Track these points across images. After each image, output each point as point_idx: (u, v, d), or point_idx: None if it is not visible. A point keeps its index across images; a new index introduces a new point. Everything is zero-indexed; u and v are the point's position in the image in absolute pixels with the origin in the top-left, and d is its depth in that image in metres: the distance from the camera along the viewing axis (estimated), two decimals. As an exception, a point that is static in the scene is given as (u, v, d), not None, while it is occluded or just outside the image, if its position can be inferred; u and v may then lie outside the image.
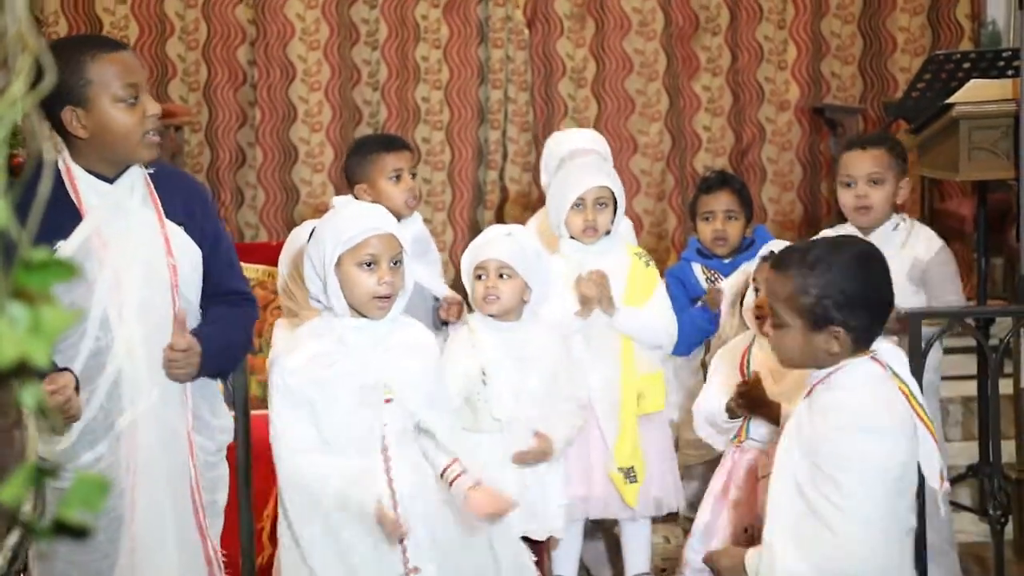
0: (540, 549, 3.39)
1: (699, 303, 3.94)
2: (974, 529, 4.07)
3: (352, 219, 2.72)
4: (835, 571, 2.32)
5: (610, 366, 3.58)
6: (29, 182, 2.25)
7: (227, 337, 2.78)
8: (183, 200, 2.75)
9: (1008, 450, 3.88)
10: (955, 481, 3.87)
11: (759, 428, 3.09)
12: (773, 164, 6.09)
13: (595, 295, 3.54)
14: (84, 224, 2.60)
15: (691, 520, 3.37)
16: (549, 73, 5.97)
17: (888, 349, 2.48)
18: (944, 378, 3.93)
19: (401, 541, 2.67)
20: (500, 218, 5.79)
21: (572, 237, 3.65)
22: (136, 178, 2.69)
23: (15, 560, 1.42)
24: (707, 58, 6.03)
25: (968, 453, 4.22)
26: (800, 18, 6.02)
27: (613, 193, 3.63)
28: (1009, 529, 3.68)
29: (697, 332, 3.90)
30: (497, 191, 5.97)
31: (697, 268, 4.03)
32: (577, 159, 3.84)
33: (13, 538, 0.96)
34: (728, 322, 3.54)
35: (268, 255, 4.40)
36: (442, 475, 2.74)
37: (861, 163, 3.51)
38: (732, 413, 3.10)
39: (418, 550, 2.69)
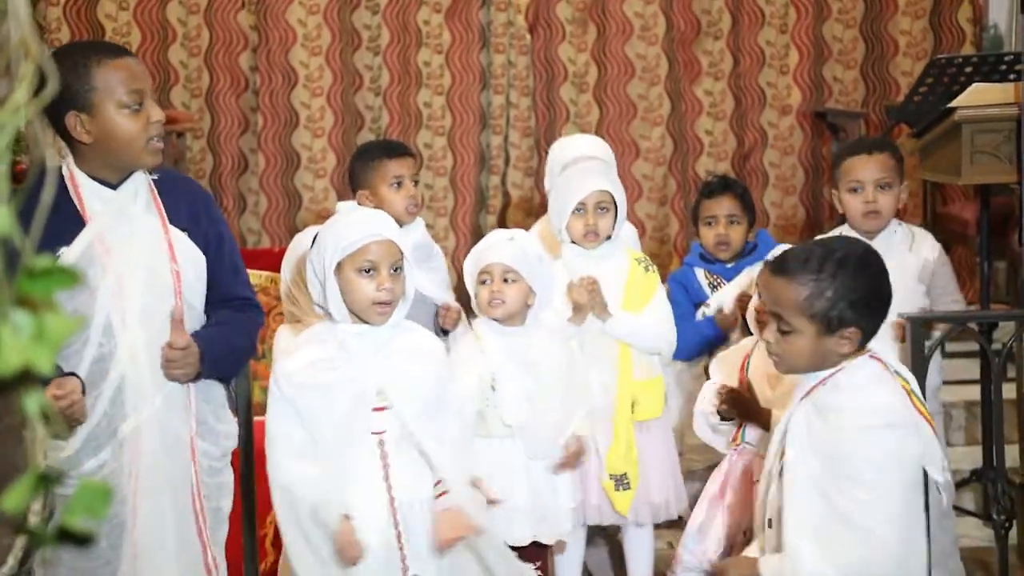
0: (544, 554, 3.39)
1: (701, 309, 3.93)
2: (978, 534, 4.06)
3: (353, 225, 2.72)
4: (861, 570, 2.31)
5: (605, 372, 3.58)
6: (32, 189, 2.25)
7: (229, 340, 2.78)
8: (187, 205, 2.75)
9: (1012, 454, 3.88)
10: (959, 486, 3.87)
11: (754, 432, 3.09)
12: (775, 168, 6.09)
13: (587, 301, 3.54)
14: (87, 230, 2.61)
15: (693, 524, 3.37)
16: (551, 78, 5.98)
17: (881, 347, 2.48)
18: (947, 382, 3.93)
19: (401, 549, 2.67)
20: (502, 223, 5.79)
21: (573, 242, 3.64)
22: (140, 184, 2.69)
23: (27, 559, 1.42)
24: (709, 62, 6.03)
25: (972, 458, 4.21)
26: (802, 22, 6.02)
27: (614, 198, 3.63)
28: (1013, 534, 3.67)
29: (700, 340, 3.89)
30: (499, 196, 5.97)
31: (700, 273, 4.03)
32: (580, 164, 3.84)
33: (23, 540, 0.96)
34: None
35: (270, 261, 4.40)
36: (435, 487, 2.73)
37: (869, 168, 3.51)
38: (723, 416, 3.11)
39: (417, 558, 2.69)
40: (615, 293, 3.61)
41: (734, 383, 3.13)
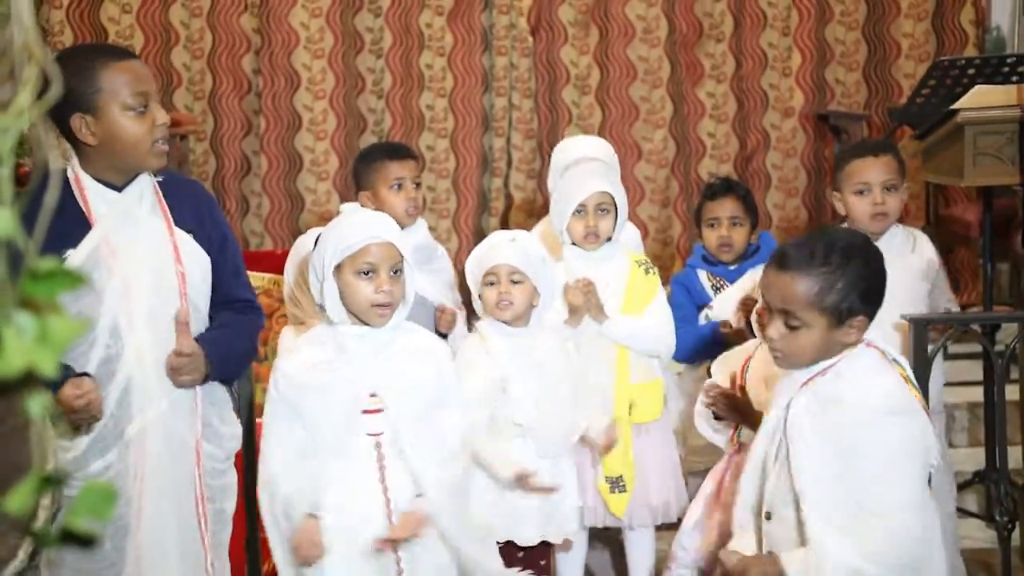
0: (548, 554, 3.39)
1: (704, 312, 3.93)
2: (981, 535, 4.06)
3: (353, 227, 2.72)
4: (888, 557, 2.31)
5: (602, 374, 3.57)
6: (36, 192, 2.25)
7: (233, 343, 2.79)
8: (192, 208, 2.76)
9: (1015, 456, 3.88)
10: (961, 487, 3.87)
11: (750, 432, 3.09)
12: (778, 170, 6.09)
13: (582, 303, 3.54)
14: (93, 232, 2.61)
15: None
16: (553, 80, 5.98)
17: (876, 336, 2.48)
18: (949, 384, 3.93)
19: (396, 552, 2.67)
20: (505, 225, 5.79)
21: (574, 243, 3.64)
22: (145, 186, 2.69)
23: (36, 555, 1.42)
24: (711, 65, 6.03)
25: (974, 459, 4.21)
26: (804, 25, 6.02)
27: (615, 199, 3.62)
28: (1016, 535, 3.67)
29: (702, 343, 3.88)
30: (502, 198, 5.98)
31: (703, 275, 4.02)
32: (581, 165, 3.84)
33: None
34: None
35: (273, 263, 4.40)
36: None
37: (876, 170, 3.51)
38: (716, 416, 3.12)
39: (411, 560, 2.68)
40: (615, 295, 3.61)
41: (726, 384, 3.13)
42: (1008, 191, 4.28)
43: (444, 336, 3.60)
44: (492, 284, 3.27)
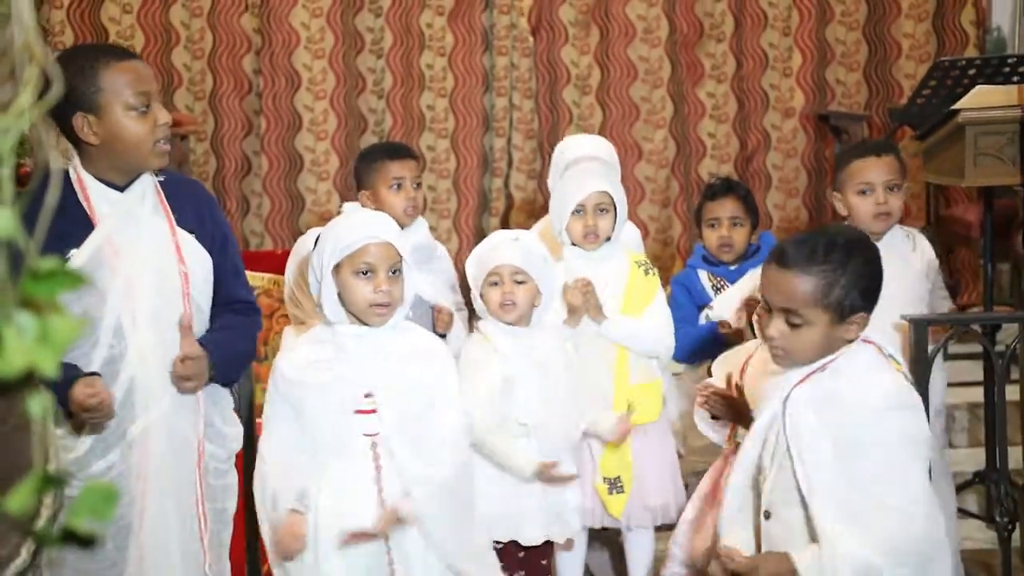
0: (548, 554, 3.39)
1: (705, 312, 3.93)
2: (981, 536, 4.06)
3: (352, 227, 2.72)
4: (902, 550, 2.32)
5: (601, 374, 3.57)
6: (37, 191, 2.25)
7: (235, 345, 2.79)
8: (193, 208, 2.76)
9: (1015, 456, 3.88)
10: (961, 488, 3.87)
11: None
12: (778, 171, 6.09)
13: (581, 304, 3.53)
14: (96, 233, 2.61)
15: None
16: (554, 80, 5.98)
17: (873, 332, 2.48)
18: (950, 384, 3.93)
19: (389, 552, 2.67)
20: (505, 225, 5.79)
21: (573, 243, 3.64)
22: (147, 186, 2.70)
23: (38, 553, 1.42)
24: (712, 65, 6.03)
25: (975, 459, 4.21)
26: (805, 25, 6.02)
27: (614, 199, 3.62)
28: (1016, 536, 3.67)
29: (702, 343, 3.88)
30: (502, 198, 5.98)
31: (703, 275, 4.02)
32: (581, 164, 3.83)
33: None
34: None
35: (273, 263, 4.40)
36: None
37: (879, 170, 3.51)
38: (712, 415, 3.12)
39: (404, 560, 2.68)
40: (614, 296, 3.60)
41: (723, 383, 3.12)
42: (1009, 191, 4.28)
43: (442, 336, 3.60)
44: (495, 284, 3.26)
